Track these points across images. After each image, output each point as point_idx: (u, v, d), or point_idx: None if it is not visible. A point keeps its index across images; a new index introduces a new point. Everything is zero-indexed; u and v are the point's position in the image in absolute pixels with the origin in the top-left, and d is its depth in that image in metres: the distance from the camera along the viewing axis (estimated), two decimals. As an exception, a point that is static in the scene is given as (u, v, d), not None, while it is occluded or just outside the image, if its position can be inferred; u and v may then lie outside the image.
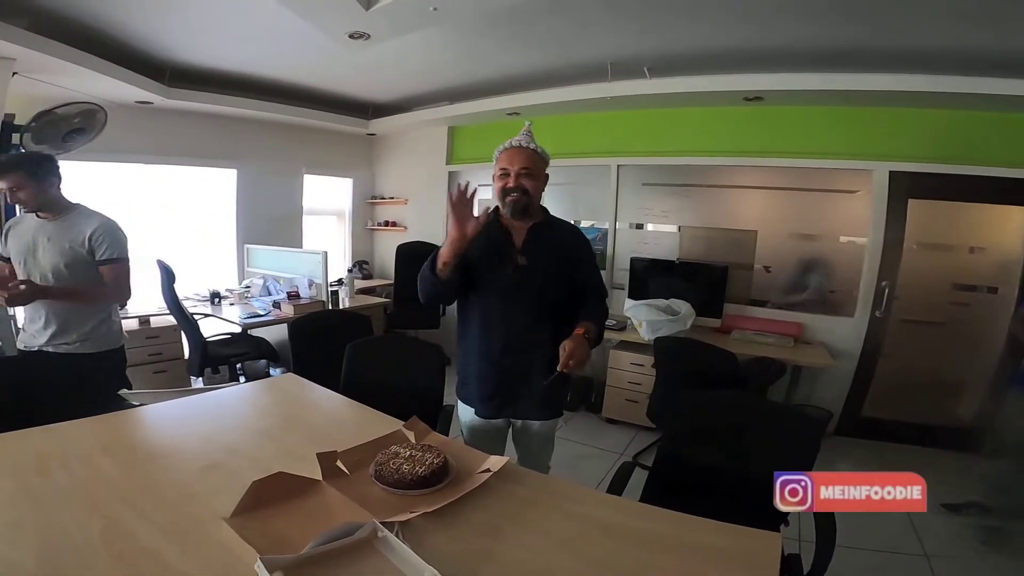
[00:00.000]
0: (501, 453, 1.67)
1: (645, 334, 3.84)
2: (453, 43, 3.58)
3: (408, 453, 1.43)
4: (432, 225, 5.82)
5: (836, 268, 4.00)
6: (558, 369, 1.67)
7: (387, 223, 6.42)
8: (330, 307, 4.48)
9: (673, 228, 4.55)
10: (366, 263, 6.47)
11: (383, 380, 2.23)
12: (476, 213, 1.74)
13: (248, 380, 3.99)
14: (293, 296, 4.36)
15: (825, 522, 1.46)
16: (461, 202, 1.70)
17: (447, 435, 1.82)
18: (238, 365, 4.23)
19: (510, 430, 2.03)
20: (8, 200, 2.31)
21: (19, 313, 2.78)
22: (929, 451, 3.66)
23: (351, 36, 3.04)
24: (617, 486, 1.71)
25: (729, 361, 2.89)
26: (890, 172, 3.72)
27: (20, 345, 2.37)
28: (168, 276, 3.76)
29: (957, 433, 3.65)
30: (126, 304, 2.55)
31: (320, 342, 2.78)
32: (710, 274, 4.21)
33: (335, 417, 1.97)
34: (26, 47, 2.97)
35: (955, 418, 3.72)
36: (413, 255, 5.56)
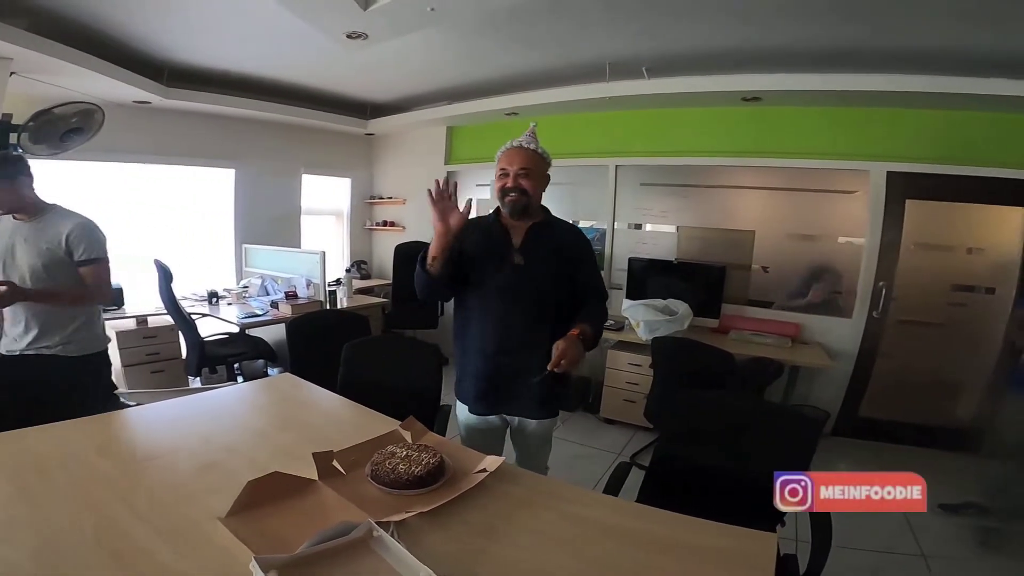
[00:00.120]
0: (499, 453, 1.68)
1: (643, 334, 3.84)
2: (451, 43, 3.58)
3: (404, 453, 1.43)
4: (430, 226, 5.78)
5: (841, 272, 3.99)
6: (548, 368, 1.67)
7: (385, 223, 6.42)
8: (328, 307, 4.48)
9: (671, 228, 4.55)
10: (364, 263, 6.47)
11: (380, 380, 2.23)
12: (460, 207, 1.75)
13: (246, 380, 3.98)
14: (291, 296, 4.36)
15: (821, 522, 1.46)
16: (440, 197, 1.74)
17: (444, 435, 1.82)
18: (236, 365, 4.22)
19: (508, 430, 2.03)
20: None
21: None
22: (926, 451, 3.66)
23: (349, 36, 3.04)
24: (614, 486, 1.71)
25: (726, 361, 2.90)
26: (888, 173, 3.73)
27: (2, 350, 2.30)
28: (166, 276, 3.75)
29: (955, 433, 3.65)
30: (107, 305, 2.50)
31: (318, 342, 2.79)
32: (708, 274, 4.21)
33: (332, 417, 1.97)
34: (24, 47, 2.97)
35: (953, 418, 3.72)
36: (411, 255, 5.50)
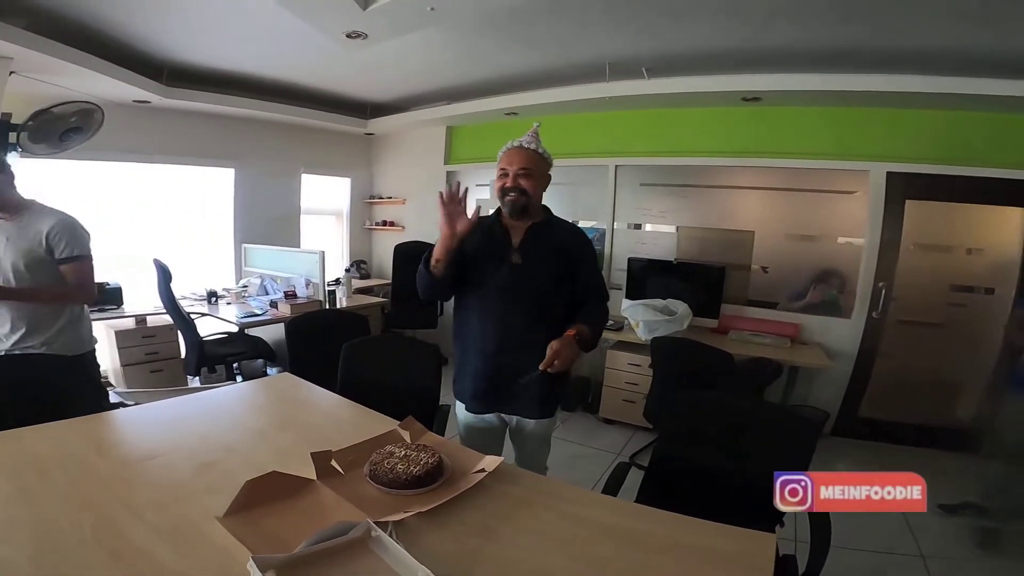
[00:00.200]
0: (499, 453, 1.67)
1: (642, 334, 3.84)
2: (451, 43, 3.58)
3: (403, 453, 1.43)
4: (430, 225, 5.81)
5: (841, 273, 3.99)
6: (539, 368, 1.67)
7: (385, 223, 6.42)
8: (327, 307, 4.48)
9: (671, 228, 4.55)
10: (364, 263, 6.47)
11: (380, 380, 2.23)
12: (468, 213, 1.76)
13: (245, 379, 3.97)
14: (290, 296, 4.36)
15: (821, 522, 1.46)
16: (452, 201, 1.74)
17: (443, 435, 1.82)
18: (235, 364, 4.22)
19: (508, 430, 2.03)
20: None
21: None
22: (926, 452, 3.66)
23: (349, 36, 3.04)
24: (613, 486, 1.71)
25: (726, 361, 2.89)
26: (887, 173, 3.73)
27: None
28: (165, 275, 3.75)
29: (954, 434, 3.65)
30: (90, 304, 2.42)
31: (317, 342, 2.78)
32: (707, 274, 4.21)
33: (331, 417, 1.97)
34: (24, 46, 2.96)
35: (952, 419, 3.72)
36: (411, 255, 5.56)
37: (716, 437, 1.80)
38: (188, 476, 1.40)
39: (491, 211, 2.02)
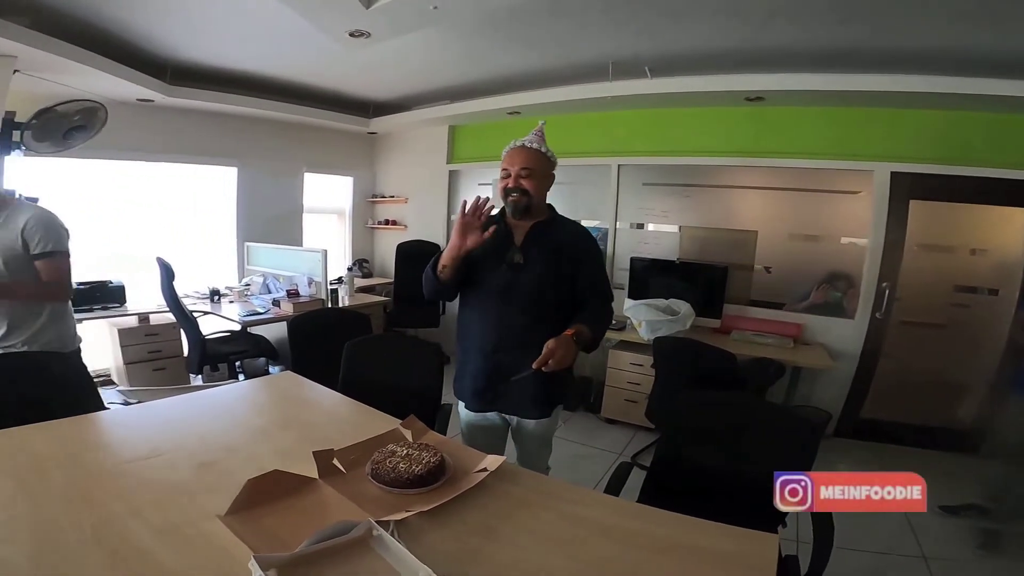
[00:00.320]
0: (501, 452, 1.67)
1: (644, 334, 3.84)
2: (454, 43, 3.58)
3: (405, 452, 1.43)
4: (432, 224, 5.83)
5: (844, 273, 3.98)
6: (532, 367, 1.66)
7: (387, 222, 6.42)
8: (329, 305, 4.48)
9: (673, 228, 4.54)
10: (366, 262, 6.47)
11: (382, 379, 2.23)
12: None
13: (247, 378, 3.98)
14: (293, 294, 4.36)
15: (823, 523, 1.46)
16: (473, 214, 1.76)
17: (444, 434, 1.81)
18: (237, 363, 4.23)
19: (509, 430, 2.03)
20: None
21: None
22: (928, 453, 3.66)
23: (351, 35, 3.04)
24: (615, 486, 1.70)
25: (728, 361, 2.89)
26: (891, 173, 3.71)
27: None
28: (168, 273, 3.76)
29: (957, 435, 3.63)
30: (64, 301, 2.31)
31: (319, 340, 2.79)
32: (710, 274, 4.20)
33: (333, 415, 1.97)
34: (28, 45, 2.97)
35: (955, 420, 3.70)
36: (413, 254, 5.58)
37: (718, 437, 1.79)
38: (189, 475, 1.40)
39: (495, 210, 2.01)
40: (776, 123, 4.07)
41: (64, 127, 3.49)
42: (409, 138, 6.10)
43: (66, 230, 2.25)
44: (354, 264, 6.35)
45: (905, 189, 3.71)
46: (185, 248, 4.92)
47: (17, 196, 2.25)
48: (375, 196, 6.54)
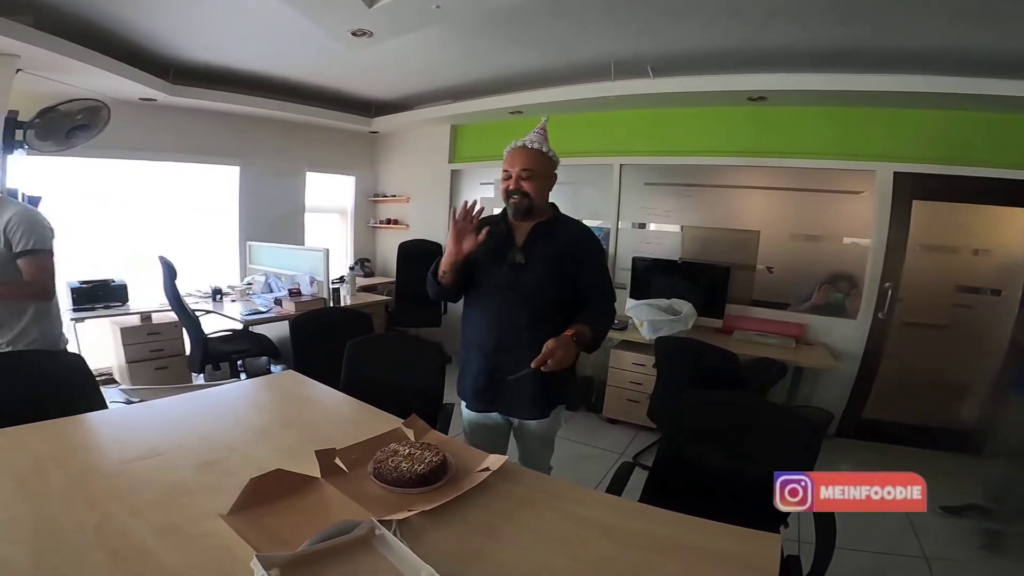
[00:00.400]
0: (503, 451, 1.67)
1: (646, 334, 3.83)
2: (455, 42, 3.58)
3: (407, 451, 1.43)
4: (434, 224, 5.83)
5: (846, 273, 3.97)
6: (531, 366, 1.65)
7: (389, 221, 6.42)
8: (331, 305, 4.48)
9: (675, 228, 4.54)
10: (368, 261, 6.48)
11: (383, 378, 2.23)
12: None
13: (249, 377, 3.99)
14: (294, 293, 4.36)
15: (825, 523, 1.46)
16: (464, 218, 1.76)
17: (446, 433, 1.82)
18: (239, 362, 4.24)
19: (511, 430, 2.03)
20: None
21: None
22: (930, 453, 3.65)
23: (354, 34, 3.04)
24: (617, 486, 1.70)
25: (730, 361, 2.89)
26: (895, 173, 3.70)
27: None
28: (170, 272, 3.76)
29: (958, 435, 3.63)
30: (44, 300, 2.23)
31: (321, 339, 2.79)
32: (712, 274, 4.19)
33: (335, 415, 1.97)
34: (31, 44, 2.97)
35: (957, 421, 3.70)
36: (415, 253, 5.58)
37: (720, 437, 1.79)
38: (191, 474, 1.40)
39: (497, 210, 2.01)
40: (778, 123, 4.06)
41: (67, 126, 3.50)
42: (411, 137, 6.10)
43: (50, 228, 2.19)
44: (356, 263, 6.36)
45: (908, 189, 3.70)
46: (187, 247, 4.92)
47: (2, 193, 2.18)
48: (377, 195, 6.54)
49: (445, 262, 1.82)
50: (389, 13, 2.76)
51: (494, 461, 1.45)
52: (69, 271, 3.94)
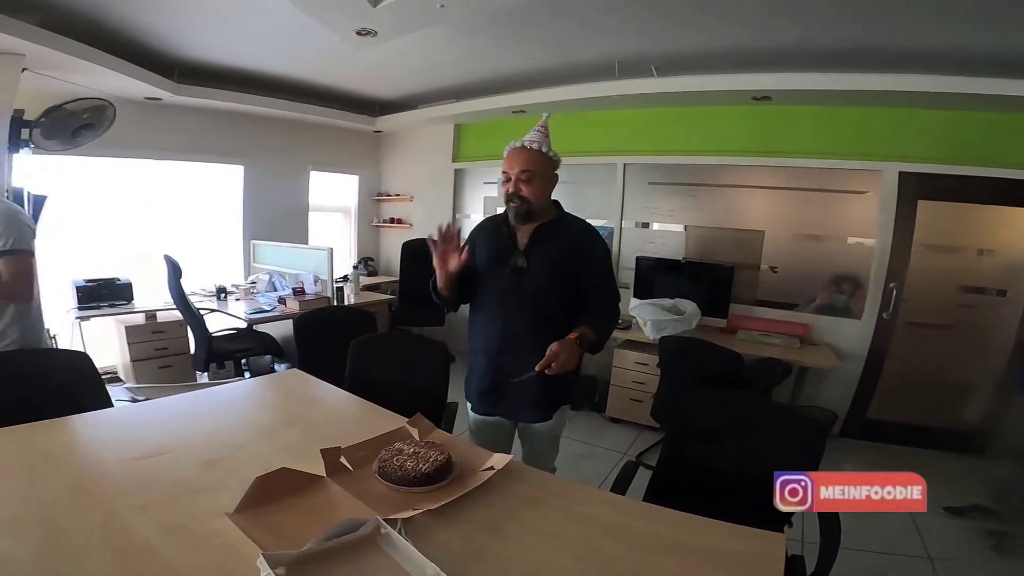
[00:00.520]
0: (508, 451, 1.67)
1: (650, 333, 3.83)
2: (459, 41, 3.58)
3: (412, 450, 1.43)
4: (437, 223, 5.80)
5: (851, 273, 3.96)
6: (535, 369, 1.64)
7: (393, 220, 6.43)
8: (335, 303, 4.49)
9: (679, 227, 4.53)
10: (371, 260, 6.49)
11: (387, 377, 2.24)
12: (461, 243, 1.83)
13: (253, 375, 4.00)
14: (298, 292, 4.38)
15: (830, 523, 1.45)
16: (444, 240, 1.80)
17: (451, 432, 1.82)
18: (243, 360, 4.25)
19: (516, 429, 2.03)
20: None
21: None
22: (934, 453, 3.63)
23: (358, 33, 3.04)
24: (620, 486, 1.71)
25: (734, 361, 2.88)
26: (900, 173, 3.69)
27: None
28: (175, 271, 3.77)
29: (963, 436, 3.62)
30: (20, 303, 2.14)
31: (325, 338, 2.80)
32: (716, 274, 4.19)
33: (339, 413, 1.98)
34: (36, 43, 2.98)
35: (961, 421, 3.69)
36: (418, 252, 5.57)
37: (724, 437, 1.79)
38: (196, 473, 1.41)
39: (499, 209, 2.01)
40: (782, 123, 4.05)
41: (73, 125, 3.51)
42: (414, 136, 6.11)
43: (30, 227, 2.14)
44: (359, 262, 6.37)
45: (913, 189, 3.68)
46: (192, 246, 4.94)
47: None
48: (380, 194, 6.54)
49: (439, 281, 1.86)
50: (393, 12, 2.76)
51: (499, 460, 1.46)
52: (74, 269, 3.98)
